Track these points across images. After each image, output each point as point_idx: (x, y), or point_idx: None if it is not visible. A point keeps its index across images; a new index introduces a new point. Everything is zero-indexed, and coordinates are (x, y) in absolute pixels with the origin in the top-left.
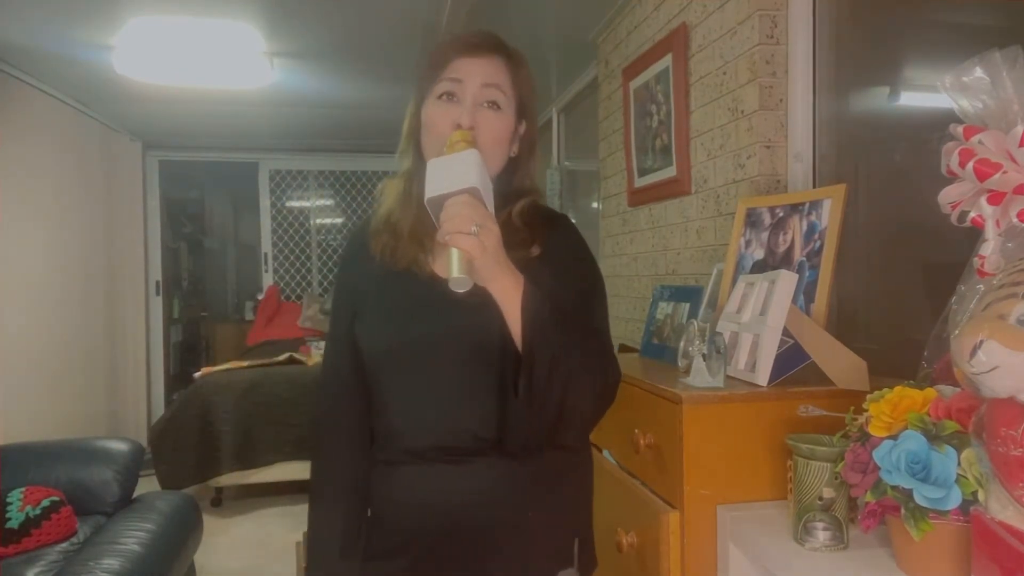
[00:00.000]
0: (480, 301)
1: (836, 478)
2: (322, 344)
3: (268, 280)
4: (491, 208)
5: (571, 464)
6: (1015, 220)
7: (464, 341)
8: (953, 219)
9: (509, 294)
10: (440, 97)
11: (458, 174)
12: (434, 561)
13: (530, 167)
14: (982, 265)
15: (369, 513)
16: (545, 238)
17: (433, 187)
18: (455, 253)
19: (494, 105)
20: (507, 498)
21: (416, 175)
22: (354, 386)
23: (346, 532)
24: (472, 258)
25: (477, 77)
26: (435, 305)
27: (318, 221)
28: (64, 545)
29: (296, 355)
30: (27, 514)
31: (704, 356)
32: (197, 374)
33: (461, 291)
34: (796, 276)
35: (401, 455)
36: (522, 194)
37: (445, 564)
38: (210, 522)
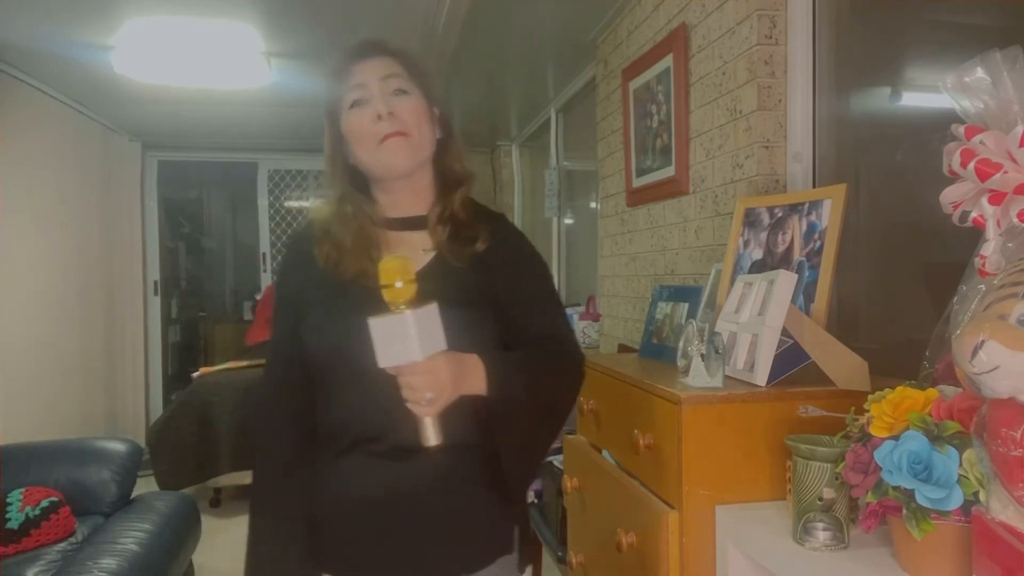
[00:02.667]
0: None
1: (836, 478)
2: None
3: (266, 280)
4: (439, 340)
5: None
6: (1015, 220)
7: None
8: (954, 219)
9: (477, 389)
10: (352, 107)
11: (402, 346)
12: (378, 552)
13: (455, 148)
14: (983, 265)
15: (313, 512)
16: (489, 234)
17: (382, 356)
18: (427, 422)
19: (400, 92)
20: (449, 491)
21: (348, 196)
22: (299, 391)
23: (291, 534)
24: (436, 418)
25: (375, 73)
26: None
27: None
28: (63, 545)
29: None
30: (27, 514)
31: (703, 356)
32: (195, 374)
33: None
34: (795, 276)
35: (343, 449)
36: (459, 180)
37: (389, 554)
38: (208, 522)
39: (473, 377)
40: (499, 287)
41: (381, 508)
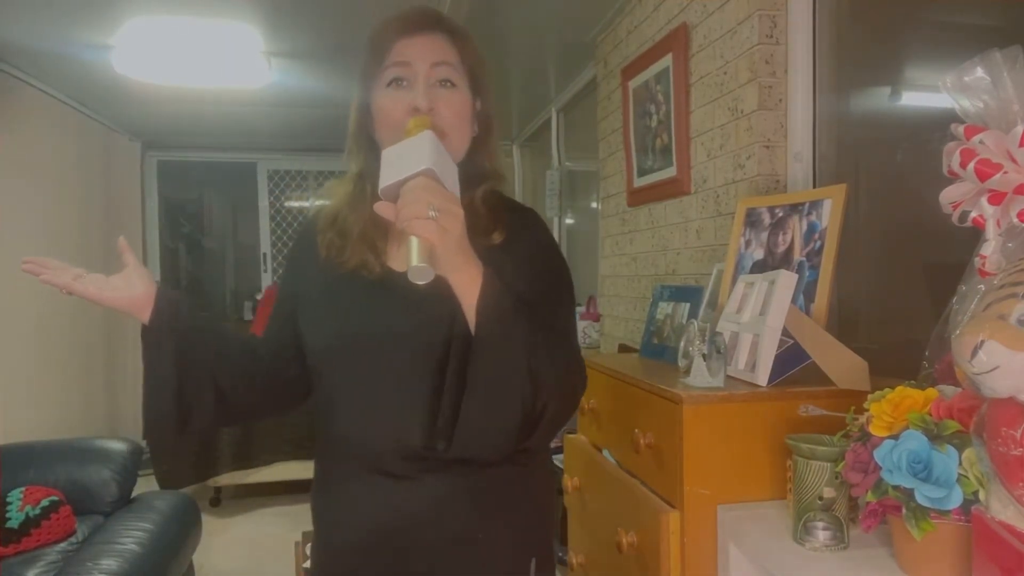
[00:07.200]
0: (431, 298)
1: (836, 478)
2: None
3: (267, 280)
4: (455, 190)
5: (527, 480)
6: (1015, 220)
7: (410, 342)
8: (954, 219)
9: (470, 285)
10: (389, 85)
11: (412, 158)
12: None
13: (490, 146)
14: (983, 265)
15: (315, 534)
16: (509, 226)
17: (387, 176)
18: (414, 241)
19: (448, 83)
20: (457, 516)
21: (368, 174)
22: (271, 347)
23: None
24: (432, 245)
25: (425, 57)
26: (380, 305)
27: None
28: (63, 545)
29: None
30: (27, 514)
31: (704, 356)
32: None
33: (422, 282)
34: (795, 276)
35: (346, 465)
36: (485, 177)
37: None
38: (209, 522)
39: (475, 264)
40: (507, 280)
41: (384, 535)
